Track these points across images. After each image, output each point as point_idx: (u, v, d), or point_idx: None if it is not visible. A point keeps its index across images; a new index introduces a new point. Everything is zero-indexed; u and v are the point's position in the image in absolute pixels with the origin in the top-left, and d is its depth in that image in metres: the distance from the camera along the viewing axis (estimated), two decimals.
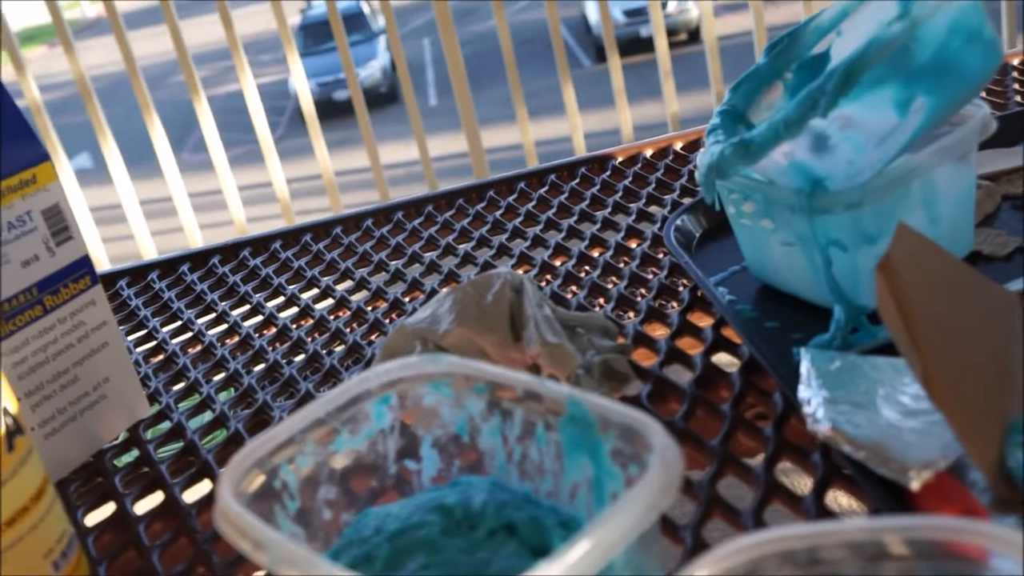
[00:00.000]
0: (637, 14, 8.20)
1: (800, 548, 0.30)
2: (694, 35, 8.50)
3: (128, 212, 2.33)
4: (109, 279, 0.81)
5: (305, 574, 0.33)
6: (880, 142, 0.50)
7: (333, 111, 7.08)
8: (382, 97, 8.99)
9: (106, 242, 2.37)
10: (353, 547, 0.40)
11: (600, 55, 8.60)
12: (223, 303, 0.74)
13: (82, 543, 0.48)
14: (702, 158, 0.54)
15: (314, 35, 9.46)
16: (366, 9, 10.56)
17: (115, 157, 2.26)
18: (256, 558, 0.34)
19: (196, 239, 2.35)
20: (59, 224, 0.54)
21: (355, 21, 9.97)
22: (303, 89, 2.31)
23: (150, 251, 2.36)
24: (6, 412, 0.42)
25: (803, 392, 0.45)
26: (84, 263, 0.56)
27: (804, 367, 0.46)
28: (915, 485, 0.39)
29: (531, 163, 2.34)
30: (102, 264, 2.33)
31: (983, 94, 0.83)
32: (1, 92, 0.52)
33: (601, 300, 0.63)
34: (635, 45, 7.10)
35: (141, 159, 3.22)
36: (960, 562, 0.29)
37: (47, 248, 0.54)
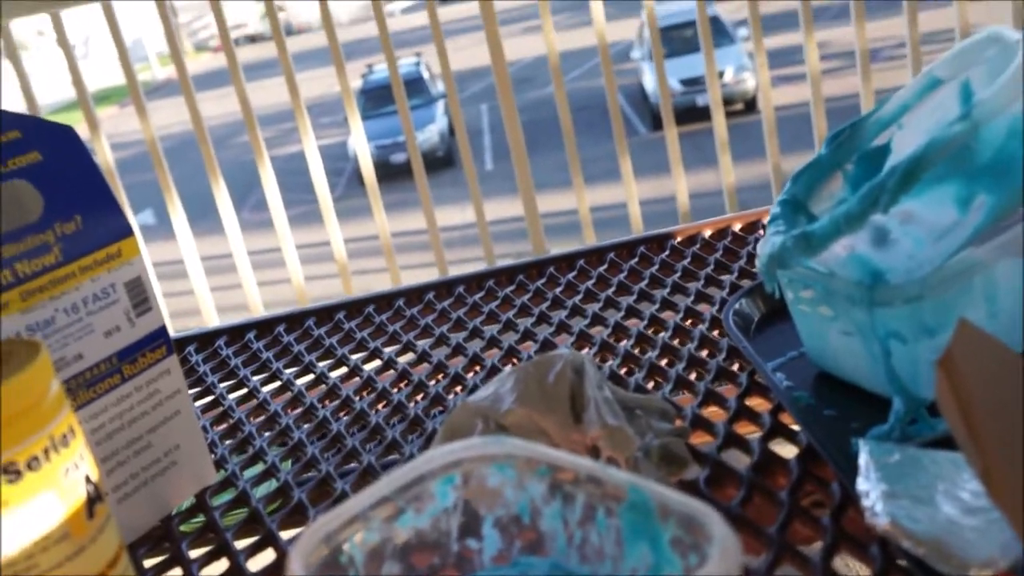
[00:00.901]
0: (693, 83, 8.28)
1: None
2: (750, 105, 8.54)
3: (190, 269, 2.39)
4: (178, 345, 0.83)
5: None
6: (940, 237, 0.50)
7: (390, 173, 7.20)
8: (439, 161, 9.14)
9: (166, 296, 2.42)
10: None
11: (656, 122, 8.67)
12: (288, 371, 0.76)
13: None
14: (763, 247, 0.55)
15: (374, 99, 9.65)
16: (425, 74, 10.77)
17: (180, 216, 2.32)
18: None
19: (255, 296, 2.40)
20: (140, 296, 0.57)
21: (415, 85, 10.18)
22: (364, 154, 2.36)
23: (209, 306, 2.41)
24: (88, 480, 0.44)
25: (862, 485, 0.45)
26: (161, 333, 0.58)
27: (863, 459, 0.47)
28: None
29: (587, 231, 2.37)
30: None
31: None
32: (91, 168, 0.55)
33: (659, 380, 0.64)
34: (691, 114, 7.16)
35: (202, 216, 3.30)
36: None
37: (128, 319, 0.56)
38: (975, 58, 0.56)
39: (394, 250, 2.40)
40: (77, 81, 2.25)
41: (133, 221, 2.31)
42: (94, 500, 0.44)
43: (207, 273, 2.43)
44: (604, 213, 3.69)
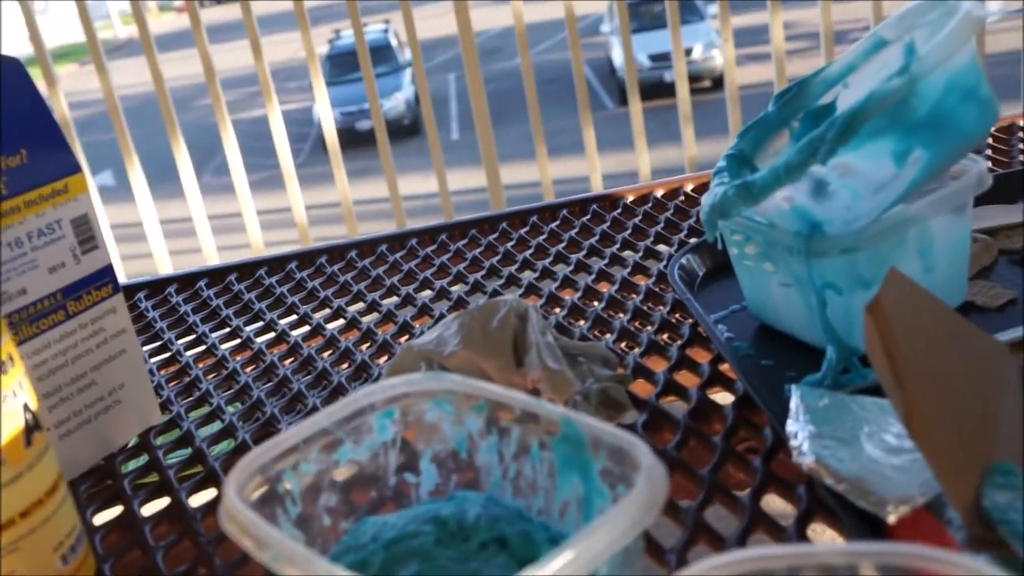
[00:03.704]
0: (662, 59, 8.26)
1: (778, 568, 0.32)
2: (718, 82, 8.55)
3: (148, 230, 2.37)
4: (128, 291, 0.83)
5: (305, 573, 0.35)
6: (877, 191, 0.51)
7: (355, 140, 7.14)
8: (404, 129, 9.07)
9: (124, 259, 2.40)
10: (350, 553, 0.41)
11: (623, 97, 8.66)
12: (237, 319, 0.76)
13: (89, 541, 0.49)
14: (706, 198, 0.56)
15: (340, 65, 9.56)
16: (393, 42, 10.68)
17: (139, 176, 2.30)
18: (258, 556, 0.36)
19: (214, 260, 2.38)
20: (86, 233, 0.57)
21: (382, 53, 10.08)
22: (328, 119, 2.34)
23: (167, 270, 2.39)
24: (26, 408, 0.44)
25: (791, 426, 0.46)
26: (107, 272, 0.58)
27: (794, 403, 0.48)
28: (892, 519, 0.40)
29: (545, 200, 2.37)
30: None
31: (989, 152, 0.85)
32: (39, 103, 0.55)
33: (604, 333, 0.65)
34: (658, 89, 7.15)
35: (161, 179, 3.26)
36: None
37: (73, 256, 0.56)
38: (920, 20, 0.57)
39: (356, 217, 2.39)
40: (35, 37, 2.21)
41: (91, 180, 2.29)
42: (32, 429, 0.44)
43: (165, 236, 2.40)
44: (567, 186, 3.70)
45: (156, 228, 2.37)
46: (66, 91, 2.31)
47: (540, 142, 2.34)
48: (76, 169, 0.56)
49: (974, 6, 0.50)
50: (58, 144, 0.55)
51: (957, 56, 0.49)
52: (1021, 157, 0.83)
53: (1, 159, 0.52)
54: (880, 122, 0.49)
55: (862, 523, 0.41)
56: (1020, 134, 0.88)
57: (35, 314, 0.54)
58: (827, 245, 0.52)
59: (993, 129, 0.85)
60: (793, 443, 0.45)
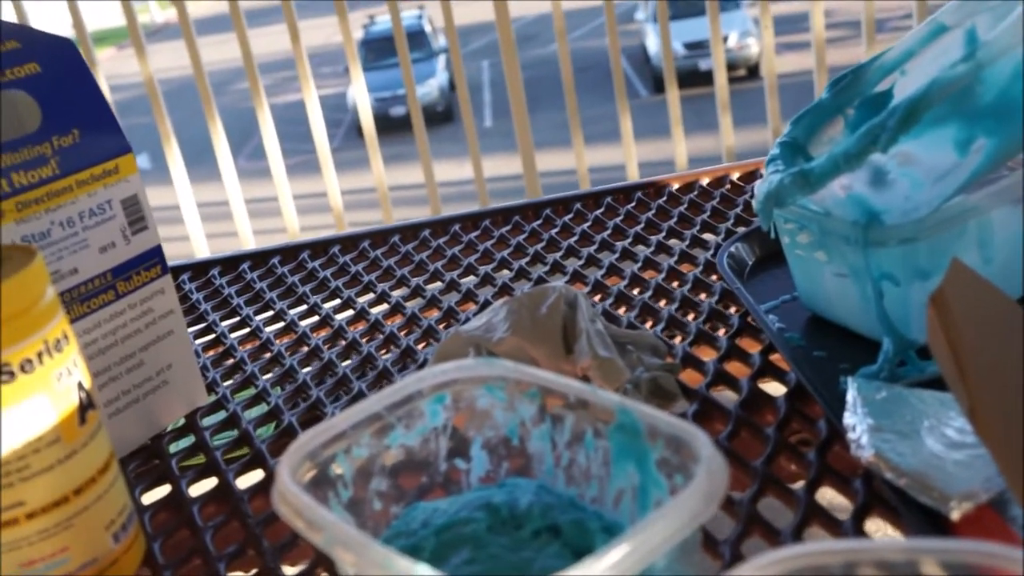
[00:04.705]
0: (697, 47, 8.21)
1: (836, 563, 0.31)
2: (753, 71, 8.50)
3: (186, 214, 2.38)
4: (172, 273, 0.83)
5: (359, 557, 0.34)
6: (938, 180, 0.50)
7: (389, 126, 7.15)
8: (438, 115, 9.08)
9: (161, 242, 2.41)
10: (401, 538, 0.41)
11: (657, 86, 8.62)
12: (281, 302, 0.76)
13: (138, 520, 0.49)
14: (760, 186, 0.55)
15: (375, 51, 9.57)
16: (427, 27, 10.68)
17: (177, 159, 2.31)
18: (311, 538, 0.35)
19: (250, 244, 2.39)
20: (136, 214, 0.57)
21: (416, 39, 10.09)
22: (364, 105, 2.34)
23: (204, 253, 2.41)
24: (80, 386, 0.44)
25: (848, 419, 0.45)
26: (156, 253, 0.58)
27: (851, 395, 0.47)
28: (955, 515, 0.40)
29: (584, 188, 2.36)
30: None
31: None
32: (91, 83, 0.55)
33: (651, 321, 0.65)
34: (693, 78, 7.11)
35: (197, 162, 3.28)
36: None
37: (123, 236, 0.56)
38: (981, 6, 0.56)
39: (391, 203, 2.39)
40: (76, 21, 2.23)
41: None
42: (86, 407, 0.44)
43: (202, 220, 2.42)
44: (602, 174, 3.68)
45: (194, 211, 2.38)
46: (105, 75, 2.32)
47: (577, 129, 2.33)
48: (127, 149, 0.56)
49: None
50: (109, 124, 0.55)
51: None
52: None
53: (54, 139, 0.52)
54: (943, 109, 0.48)
55: (922, 518, 0.40)
56: None
57: (85, 294, 0.54)
58: (885, 235, 0.51)
59: None
60: (851, 436, 0.44)
